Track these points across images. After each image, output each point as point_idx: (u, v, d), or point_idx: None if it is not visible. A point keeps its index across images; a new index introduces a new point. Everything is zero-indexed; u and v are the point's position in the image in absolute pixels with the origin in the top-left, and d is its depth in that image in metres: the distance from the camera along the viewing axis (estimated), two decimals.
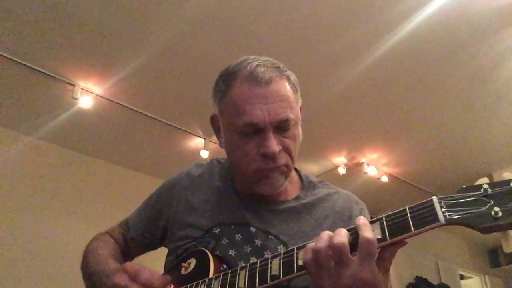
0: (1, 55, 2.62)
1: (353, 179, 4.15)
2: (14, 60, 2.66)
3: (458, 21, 2.44)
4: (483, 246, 6.56)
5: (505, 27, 2.47)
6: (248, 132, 0.80)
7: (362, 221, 0.63)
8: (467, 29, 2.49)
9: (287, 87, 0.83)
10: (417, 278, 5.07)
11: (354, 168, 4.09)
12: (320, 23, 2.48)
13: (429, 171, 4.22)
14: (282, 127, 0.80)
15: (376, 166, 4.11)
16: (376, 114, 3.37)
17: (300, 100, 0.88)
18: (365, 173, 4.03)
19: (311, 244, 0.64)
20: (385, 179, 4.20)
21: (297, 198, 0.91)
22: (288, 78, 0.84)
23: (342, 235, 0.62)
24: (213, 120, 0.91)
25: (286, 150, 0.82)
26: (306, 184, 0.95)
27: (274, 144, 0.79)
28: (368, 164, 4.04)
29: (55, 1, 2.30)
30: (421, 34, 2.50)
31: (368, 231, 0.60)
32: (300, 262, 0.67)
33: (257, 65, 0.81)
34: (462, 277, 6.00)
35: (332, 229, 0.85)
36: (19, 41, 2.57)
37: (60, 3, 2.31)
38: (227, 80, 0.84)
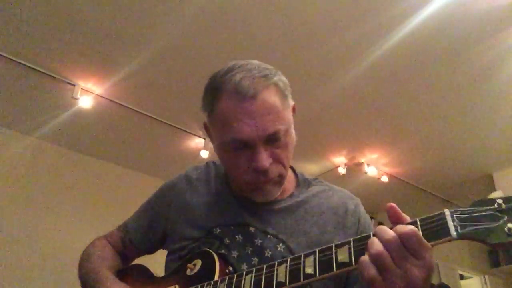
0: (1, 55, 2.62)
1: (353, 179, 4.15)
2: (14, 60, 2.67)
3: (459, 21, 2.44)
4: (483, 246, 6.55)
5: (505, 27, 2.47)
6: (237, 148, 0.79)
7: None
8: (467, 29, 2.48)
9: (275, 96, 0.80)
10: None
11: (354, 168, 4.08)
12: (320, 24, 2.48)
13: (429, 171, 4.22)
14: (272, 139, 0.79)
15: (376, 166, 4.11)
16: (376, 114, 3.36)
17: (291, 102, 0.86)
18: (365, 173, 4.02)
19: (366, 258, 0.59)
20: (385, 179, 4.20)
21: (291, 196, 0.91)
22: (275, 85, 0.81)
23: (405, 225, 0.59)
24: (206, 127, 0.90)
25: (278, 160, 0.81)
26: (301, 182, 0.95)
27: (264, 159, 0.77)
28: (368, 164, 4.04)
29: (55, 1, 2.30)
30: (421, 34, 2.50)
31: (404, 227, 0.58)
32: (307, 270, 0.65)
33: (241, 78, 0.78)
34: (462, 277, 6.00)
35: (329, 224, 0.85)
36: (19, 41, 2.57)
37: (60, 3, 2.31)
38: (212, 94, 0.82)
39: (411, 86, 3.02)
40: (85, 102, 3.00)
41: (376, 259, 0.58)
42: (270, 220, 0.87)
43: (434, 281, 5.19)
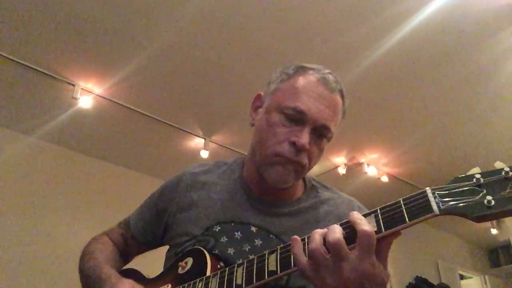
0: (1, 55, 2.62)
1: (353, 179, 4.15)
2: (14, 60, 2.66)
3: (458, 21, 2.44)
4: (483, 246, 6.56)
5: (505, 27, 2.47)
6: (291, 117, 0.83)
7: (356, 215, 0.62)
8: (467, 29, 2.49)
9: (341, 108, 0.89)
10: (417, 278, 5.07)
11: (354, 168, 4.09)
12: (320, 23, 2.48)
13: (429, 171, 4.22)
14: (320, 132, 0.83)
15: (376, 166, 4.12)
16: (376, 114, 3.37)
17: (338, 127, 0.91)
18: (365, 173, 4.03)
19: (301, 257, 0.63)
20: (385, 179, 4.20)
21: (299, 200, 0.91)
22: (344, 103, 0.90)
23: (335, 232, 0.61)
24: (258, 98, 0.94)
25: (310, 155, 0.84)
26: (309, 187, 0.95)
27: (307, 139, 0.81)
28: (368, 164, 4.04)
29: (55, 1, 2.30)
30: (421, 34, 2.50)
31: (366, 224, 0.60)
32: None
33: (328, 72, 0.89)
34: (462, 277, 6.00)
35: None
36: (19, 41, 2.57)
37: (60, 3, 2.31)
38: (298, 69, 0.89)
39: (411, 86, 3.02)
40: (85, 102, 3.00)
41: (310, 255, 0.62)
42: (274, 221, 0.87)
43: (434, 281, 5.19)
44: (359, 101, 3.19)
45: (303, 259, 0.62)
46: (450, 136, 3.67)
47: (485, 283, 6.11)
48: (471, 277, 6.20)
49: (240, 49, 2.63)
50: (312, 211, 0.90)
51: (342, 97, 0.89)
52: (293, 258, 0.64)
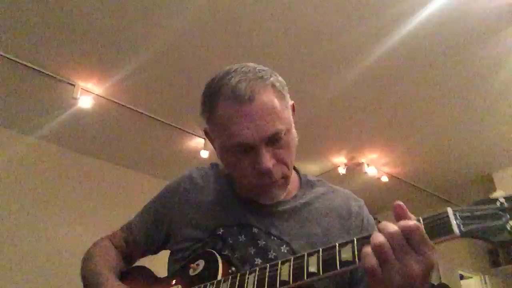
0: (1, 55, 2.62)
1: (353, 179, 4.15)
2: (14, 60, 2.67)
3: (458, 21, 2.44)
4: (483, 246, 6.55)
5: (505, 27, 2.47)
6: (239, 150, 0.79)
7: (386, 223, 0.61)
8: (467, 29, 2.49)
9: (273, 97, 0.79)
10: None
11: (354, 168, 4.09)
12: (319, 24, 2.48)
13: (429, 171, 4.22)
14: (273, 140, 0.78)
15: (376, 166, 4.12)
16: (376, 114, 3.37)
17: (289, 102, 0.85)
18: (365, 173, 4.03)
19: (368, 249, 0.59)
20: (385, 179, 4.20)
21: (295, 197, 0.91)
22: (272, 85, 0.81)
23: (408, 220, 0.59)
24: (207, 133, 0.90)
25: (281, 161, 0.81)
26: (304, 183, 0.95)
27: (267, 160, 0.77)
28: (368, 164, 4.04)
29: (55, 1, 2.30)
30: (421, 34, 2.50)
31: (409, 221, 0.59)
32: (311, 269, 0.66)
33: (238, 81, 0.78)
34: (462, 277, 6.00)
35: (333, 226, 0.85)
36: (19, 41, 2.57)
37: (60, 4, 2.31)
38: (210, 99, 0.82)
39: (411, 86, 3.02)
40: (85, 102, 3.00)
41: (377, 250, 0.58)
42: (273, 222, 0.87)
43: (434, 281, 5.19)
44: (359, 101, 3.19)
45: (373, 258, 0.59)
46: (450, 136, 3.67)
47: (485, 283, 6.11)
48: (471, 277, 6.19)
49: (239, 50, 2.63)
50: (309, 207, 0.89)
51: (266, 86, 0.79)
52: (363, 258, 0.60)
